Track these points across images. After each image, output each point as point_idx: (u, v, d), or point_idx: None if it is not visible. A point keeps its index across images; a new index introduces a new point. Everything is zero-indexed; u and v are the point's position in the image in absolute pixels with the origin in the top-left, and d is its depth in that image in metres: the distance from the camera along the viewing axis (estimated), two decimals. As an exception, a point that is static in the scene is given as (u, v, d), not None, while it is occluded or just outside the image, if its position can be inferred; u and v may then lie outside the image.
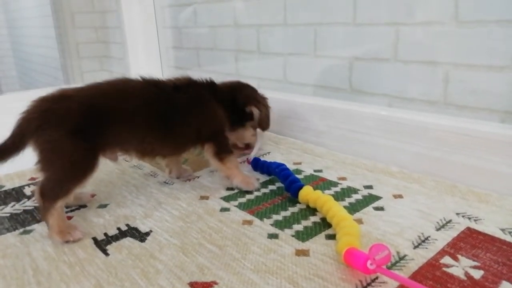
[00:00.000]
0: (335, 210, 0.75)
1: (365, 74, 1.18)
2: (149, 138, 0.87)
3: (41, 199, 0.76)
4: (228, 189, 0.95)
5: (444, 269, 0.62)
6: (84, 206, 0.90)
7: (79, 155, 0.77)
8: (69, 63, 2.86)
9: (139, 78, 0.90)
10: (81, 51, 2.79)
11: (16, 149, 0.76)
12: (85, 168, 0.78)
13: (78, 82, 2.78)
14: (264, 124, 1.10)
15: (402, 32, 1.06)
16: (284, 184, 0.90)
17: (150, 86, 0.89)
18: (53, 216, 0.75)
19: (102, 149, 0.81)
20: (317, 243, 0.71)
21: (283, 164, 0.98)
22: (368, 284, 0.60)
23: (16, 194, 0.97)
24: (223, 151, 0.95)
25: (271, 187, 0.96)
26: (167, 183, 1.01)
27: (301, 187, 0.86)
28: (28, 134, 0.76)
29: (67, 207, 0.88)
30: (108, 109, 0.80)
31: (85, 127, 0.77)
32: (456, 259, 0.65)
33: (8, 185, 1.02)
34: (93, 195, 0.94)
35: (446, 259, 0.65)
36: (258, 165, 1.04)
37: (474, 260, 0.64)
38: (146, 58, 1.93)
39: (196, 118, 0.92)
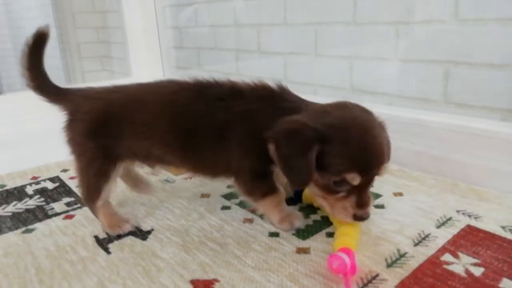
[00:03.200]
0: None
1: (366, 73, 1.18)
2: (168, 156, 0.77)
3: (83, 201, 0.81)
4: (229, 187, 0.95)
5: (445, 266, 0.63)
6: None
7: (95, 157, 0.76)
8: (70, 63, 2.87)
9: (185, 81, 0.77)
10: (82, 51, 2.80)
11: (48, 96, 0.79)
12: (104, 169, 0.76)
13: (79, 82, 2.78)
14: (284, 174, 0.67)
15: (402, 31, 1.06)
16: None
17: (187, 93, 0.75)
18: (99, 214, 0.79)
19: (119, 156, 0.77)
20: (318, 241, 0.72)
21: None
22: (369, 282, 0.60)
23: (18, 193, 0.97)
24: (252, 194, 0.76)
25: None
26: (168, 181, 1.01)
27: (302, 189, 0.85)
28: (58, 103, 0.79)
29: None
30: (124, 117, 0.75)
31: (98, 133, 0.75)
32: (456, 256, 0.65)
33: (10, 184, 1.02)
34: (151, 193, 0.93)
35: (447, 257, 0.65)
36: None
37: (474, 258, 0.64)
38: (147, 58, 1.93)
39: (228, 144, 0.72)
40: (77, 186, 0.80)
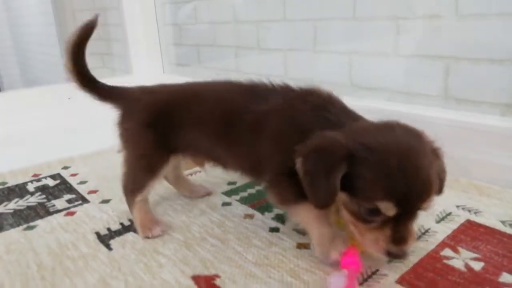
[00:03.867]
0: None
1: (365, 68, 1.18)
2: (216, 150, 0.76)
3: (123, 193, 0.80)
4: (230, 183, 0.96)
5: (445, 261, 0.63)
6: (87, 201, 0.90)
7: (149, 149, 0.76)
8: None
9: (240, 82, 0.76)
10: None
11: (96, 94, 0.81)
12: (154, 163, 0.76)
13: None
14: (306, 192, 0.59)
15: (402, 26, 1.06)
16: None
17: (238, 90, 0.75)
18: (134, 209, 0.77)
19: (174, 148, 0.77)
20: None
21: None
22: (369, 277, 0.60)
23: (19, 190, 0.98)
24: (284, 199, 0.68)
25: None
26: (169, 178, 1.01)
27: None
28: (111, 102, 0.80)
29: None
30: (183, 109, 0.76)
31: (157, 123, 0.75)
32: (456, 251, 0.65)
33: (12, 182, 1.03)
34: (209, 193, 0.91)
35: (447, 251, 0.65)
36: None
37: (474, 252, 0.65)
38: (147, 55, 1.93)
39: (260, 141, 0.69)
40: (122, 176, 0.80)
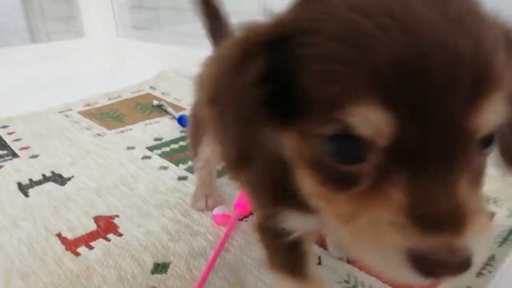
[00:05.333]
0: None
1: None
2: None
3: None
4: (156, 139, 1.02)
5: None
6: (17, 156, 0.95)
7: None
8: (34, 23, 2.81)
9: None
10: (46, 11, 2.74)
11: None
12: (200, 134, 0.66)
13: (44, 41, 2.74)
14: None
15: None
16: None
17: None
18: (196, 175, 0.74)
19: None
20: (222, 182, 0.78)
21: None
22: (251, 214, 0.68)
23: (-45, 147, 1.02)
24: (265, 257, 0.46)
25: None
26: (100, 135, 1.06)
27: None
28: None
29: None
30: None
31: None
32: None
33: (-51, 140, 1.06)
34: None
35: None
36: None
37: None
38: (98, 17, 1.90)
39: None
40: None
